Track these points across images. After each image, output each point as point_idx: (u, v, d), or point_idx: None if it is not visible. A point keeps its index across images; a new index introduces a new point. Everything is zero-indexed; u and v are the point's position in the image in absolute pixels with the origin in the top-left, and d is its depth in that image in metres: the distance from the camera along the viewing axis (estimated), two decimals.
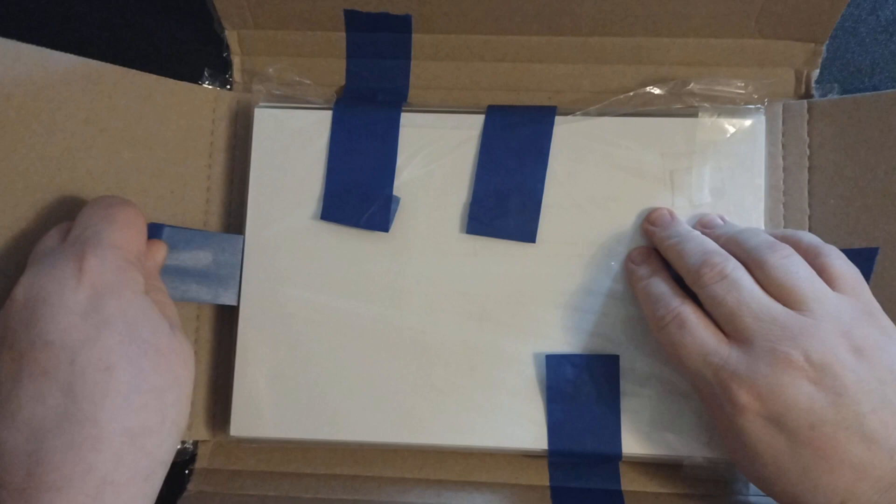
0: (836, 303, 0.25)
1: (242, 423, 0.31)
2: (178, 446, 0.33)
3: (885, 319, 0.25)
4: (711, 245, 0.27)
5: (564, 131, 0.32)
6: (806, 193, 0.32)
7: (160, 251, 0.29)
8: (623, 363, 0.30)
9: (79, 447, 0.21)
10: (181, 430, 0.25)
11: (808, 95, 0.33)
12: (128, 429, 0.22)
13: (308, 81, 0.33)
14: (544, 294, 0.31)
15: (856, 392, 0.23)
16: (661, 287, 0.28)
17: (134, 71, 0.31)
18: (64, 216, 0.28)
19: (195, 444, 0.33)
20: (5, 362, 0.23)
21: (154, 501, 0.24)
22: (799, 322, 0.24)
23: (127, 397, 0.22)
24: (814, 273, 0.26)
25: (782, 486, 0.24)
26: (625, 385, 0.30)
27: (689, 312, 0.26)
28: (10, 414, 0.22)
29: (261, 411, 0.31)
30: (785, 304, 0.25)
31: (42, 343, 0.22)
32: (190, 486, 0.32)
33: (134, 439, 0.22)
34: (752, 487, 0.31)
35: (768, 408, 0.24)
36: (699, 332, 0.26)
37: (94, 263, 0.24)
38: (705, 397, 0.27)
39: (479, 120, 0.32)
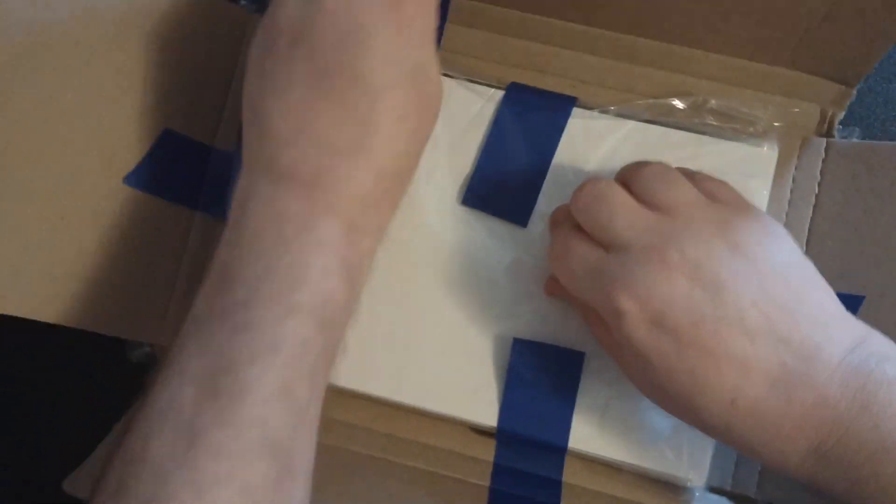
0: (712, 207, 0.25)
1: None
2: (148, 349, 0.33)
3: (768, 219, 0.25)
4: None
5: (579, 125, 0.32)
6: (806, 231, 0.31)
7: None
8: (588, 364, 0.30)
9: (361, 171, 0.24)
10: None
11: (828, 135, 0.32)
12: (393, 169, 0.25)
13: None
14: (526, 279, 0.31)
15: (734, 286, 0.23)
16: (561, 231, 0.27)
17: None
18: (90, 105, 0.28)
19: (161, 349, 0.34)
20: (306, 72, 0.23)
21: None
22: (672, 224, 0.24)
23: (404, 143, 0.25)
24: (689, 184, 0.25)
25: (675, 392, 0.24)
26: (585, 384, 0.30)
27: (574, 237, 0.26)
28: (306, 124, 0.23)
29: None
30: (659, 213, 0.25)
31: (351, 75, 0.23)
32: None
33: (397, 177, 0.25)
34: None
35: (649, 309, 0.23)
36: (582, 250, 0.26)
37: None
38: (595, 323, 0.26)
39: (498, 94, 0.32)
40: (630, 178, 0.26)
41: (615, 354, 0.26)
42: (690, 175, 0.26)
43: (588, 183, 0.26)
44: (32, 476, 0.35)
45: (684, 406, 0.24)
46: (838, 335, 0.23)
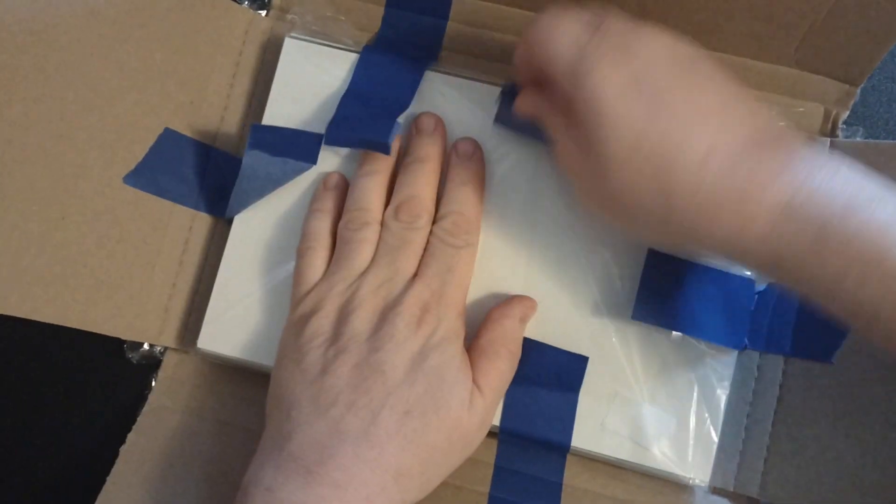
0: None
1: (211, 337, 0.32)
2: (147, 348, 0.33)
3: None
4: None
5: None
6: None
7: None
8: (592, 361, 0.30)
9: (363, 463, 0.25)
10: (431, 487, 0.27)
11: (832, 135, 0.32)
12: (398, 469, 0.25)
13: (342, 18, 0.33)
14: (536, 280, 0.31)
15: (707, 63, 0.24)
16: (550, 10, 0.26)
17: None
18: (91, 104, 0.28)
19: (163, 350, 0.33)
20: (339, 359, 0.26)
21: None
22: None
23: (408, 443, 0.25)
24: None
25: (644, 156, 0.23)
26: (588, 382, 0.30)
27: (566, 13, 0.26)
28: (325, 406, 0.25)
29: (231, 330, 0.31)
30: None
31: (376, 369, 0.26)
32: (151, 399, 0.33)
33: (398, 479, 0.25)
34: None
35: (630, 68, 0.23)
36: (571, 25, 0.25)
37: (433, 317, 0.27)
38: (570, 109, 0.25)
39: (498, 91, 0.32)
40: None
41: (572, 159, 0.26)
42: None
43: None
44: (32, 477, 0.35)
45: (652, 172, 0.23)
46: None
